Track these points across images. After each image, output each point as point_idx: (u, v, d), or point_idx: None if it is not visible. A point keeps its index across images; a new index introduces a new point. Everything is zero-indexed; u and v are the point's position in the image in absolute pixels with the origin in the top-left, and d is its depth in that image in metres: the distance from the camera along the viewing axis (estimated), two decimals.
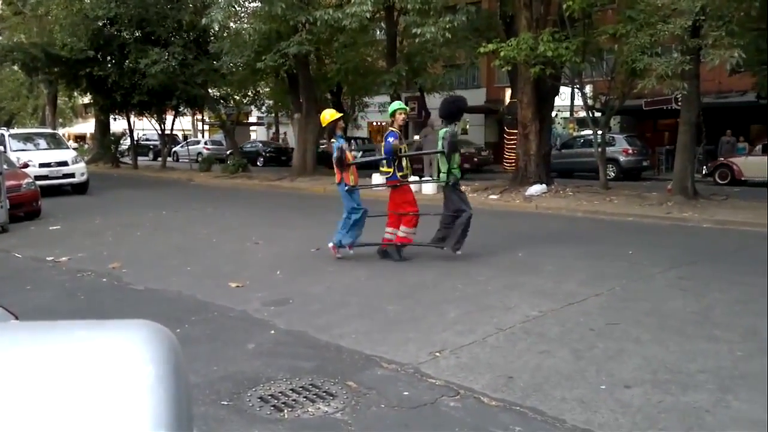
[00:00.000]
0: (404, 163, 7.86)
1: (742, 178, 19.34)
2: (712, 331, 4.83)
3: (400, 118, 7.84)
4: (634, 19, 13.16)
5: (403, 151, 7.84)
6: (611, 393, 3.69)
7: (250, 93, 29.35)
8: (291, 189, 18.43)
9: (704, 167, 20.79)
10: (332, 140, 7.84)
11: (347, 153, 7.77)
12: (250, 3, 21.20)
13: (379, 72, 23.46)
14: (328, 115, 7.92)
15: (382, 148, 7.85)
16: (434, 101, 27.40)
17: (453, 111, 8.07)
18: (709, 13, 11.66)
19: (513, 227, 10.26)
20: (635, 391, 3.71)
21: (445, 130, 7.78)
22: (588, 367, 4.12)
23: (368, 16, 15.87)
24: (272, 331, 4.99)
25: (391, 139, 7.67)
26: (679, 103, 15.04)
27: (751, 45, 14.71)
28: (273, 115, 36.84)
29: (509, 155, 21.10)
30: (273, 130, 42.69)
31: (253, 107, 34.59)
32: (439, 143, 7.85)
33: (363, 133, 35.81)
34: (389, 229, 7.92)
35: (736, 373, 3.99)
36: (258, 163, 32.45)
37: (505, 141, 22.20)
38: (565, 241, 9.18)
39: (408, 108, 7.99)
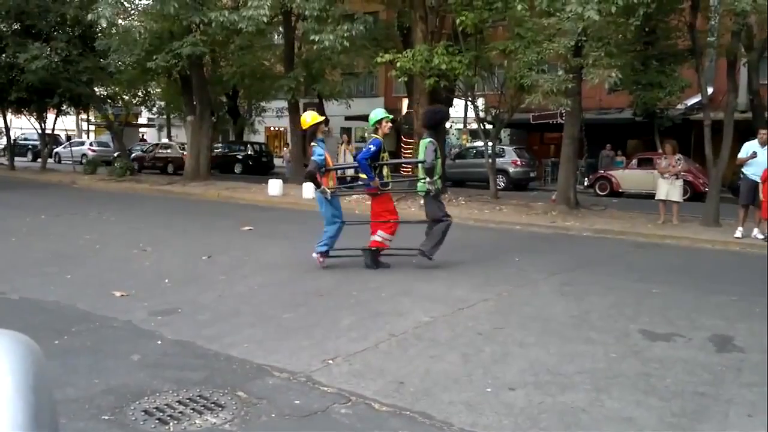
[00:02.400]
0: (385, 171, 7.81)
1: (620, 190, 20.72)
2: (589, 334, 5.13)
3: (386, 126, 7.75)
4: (523, 37, 13.80)
5: (384, 159, 7.76)
6: (496, 395, 3.83)
7: (140, 93, 28.18)
8: (182, 194, 17.83)
9: (586, 179, 22.09)
10: (312, 144, 7.52)
11: (327, 158, 7.52)
12: (140, 0, 20.39)
13: (277, 77, 23.25)
14: (309, 117, 7.61)
15: (359, 153, 7.70)
16: (332, 108, 27.58)
17: (437, 120, 8.12)
18: (590, 34, 12.41)
19: (407, 235, 10.39)
20: (518, 393, 3.87)
21: (429, 140, 7.71)
22: (475, 370, 4.26)
23: (265, 20, 15.67)
24: (159, 342, 4.80)
25: (373, 147, 7.52)
26: (564, 119, 15.91)
27: (628, 66, 15.78)
28: (164, 116, 35.54)
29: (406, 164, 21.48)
30: (140, 135, 41.25)
31: (143, 108, 33.19)
32: (421, 153, 7.75)
33: (260, 138, 35.28)
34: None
35: (610, 373, 4.26)
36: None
37: (402, 150, 22.57)
38: (456, 249, 9.42)
39: (390, 116, 7.90)
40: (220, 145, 30.88)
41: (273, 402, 3.67)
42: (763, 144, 10.78)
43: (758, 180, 10.50)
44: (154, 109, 33.00)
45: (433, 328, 5.22)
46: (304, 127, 7.74)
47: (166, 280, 6.86)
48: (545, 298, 6.39)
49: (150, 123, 42.11)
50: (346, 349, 4.63)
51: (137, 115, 39.94)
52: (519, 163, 23.08)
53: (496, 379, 4.10)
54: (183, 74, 21.23)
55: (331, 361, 4.38)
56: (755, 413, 3.63)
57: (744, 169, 10.94)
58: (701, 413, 3.64)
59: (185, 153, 24.04)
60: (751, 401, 3.81)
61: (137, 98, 28.75)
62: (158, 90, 29.59)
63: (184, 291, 6.43)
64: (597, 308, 6.00)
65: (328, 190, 7.50)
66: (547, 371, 4.25)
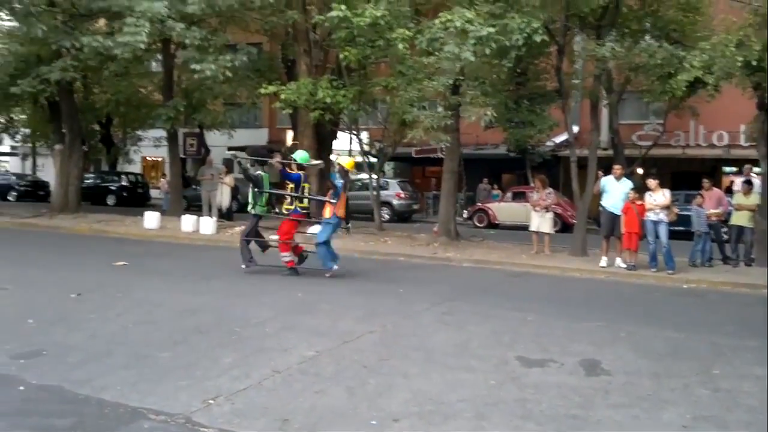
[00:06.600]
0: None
1: (496, 222, 21.66)
2: (470, 362, 5.28)
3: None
4: (404, 74, 14.23)
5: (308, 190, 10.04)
6: (381, 428, 3.84)
7: (2, 119, 26.21)
8: (49, 228, 16.64)
9: (465, 211, 22.91)
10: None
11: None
12: (5, 22, 19.06)
13: (155, 105, 22.46)
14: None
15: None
16: (214, 138, 27.00)
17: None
18: (467, 74, 13.03)
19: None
20: (403, 424, 3.90)
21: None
22: (360, 403, 4.25)
23: (142, 47, 15.15)
24: (21, 387, 4.41)
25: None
26: (444, 153, 16.49)
27: (501, 105, 16.69)
28: (30, 145, 33.25)
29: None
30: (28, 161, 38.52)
31: (5, 135, 30.88)
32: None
33: (136, 168, 33.78)
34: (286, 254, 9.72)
35: (489, 400, 4.39)
36: (10, 198, 28.99)
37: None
38: (341, 281, 9.45)
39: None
40: (91, 175, 29.28)
41: None
42: (617, 179, 11.69)
43: (617, 212, 11.35)
44: (18, 137, 30.80)
45: (317, 363, 5.17)
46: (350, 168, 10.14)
47: (30, 321, 6.33)
48: (428, 329, 6.52)
49: (13, 152, 39.17)
50: (228, 388, 4.47)
51: None
52: (402, 195, 23.58)
53: (381, 411, 4.11)
54: (51, 100, 20.01)
55: (212, 401, 4.21)
56: None
57: (602, 202, 11.79)
58: None
59: None
60: (618, 422, 4.07)
61: None
62: (23, 116, 27.68)
63: (51, 331, 5.97)
64: (477, 337, 6.20)
65: None
66: (430, 401, 4.32)
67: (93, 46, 15.27)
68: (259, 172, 10.01)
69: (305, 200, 9.98)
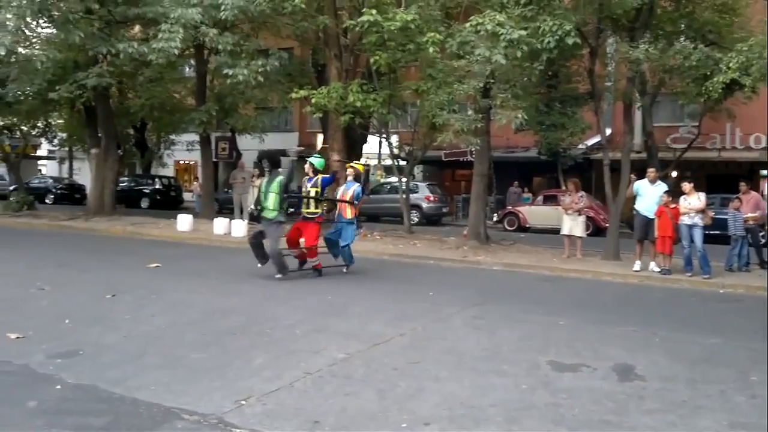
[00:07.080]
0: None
1: (527, 225, 21.49)
2: (501, 367, 5.24)
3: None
4: (434, 77, 14.23)
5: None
6: (411, 431, 3.83)
7: (40, 124, 26.79)
8: (85, 230, 17.00)
9: (495, 215, 22.78)
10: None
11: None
12: (43, 29, 19.54)
13: (188, 110, 22.78)
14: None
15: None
16: (245, 142, 27.29)
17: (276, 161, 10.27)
18: (497, 77, 12.96)
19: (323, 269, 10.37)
20: (434, 428, 3.89)
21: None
22: (391, 406, 4.25)
23: (176, 53, 15.40)
24: (58, 386, 4.51)
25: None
26: (474, 156, 16.42)
27: (533, 107, 16.55)
28: (66, 149, 33.98)
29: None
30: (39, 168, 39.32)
31: (43, 140, 31.60)
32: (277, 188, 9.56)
33: (169, 171, 34.33)
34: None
35: (521, 405, 4.35)
36: (47, 201, 29.68)
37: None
38: (372, 284, 9.49)
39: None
40: (126, 178, 29.82)
41: None
42: (652, 182, 11.51)
43: (650, 216, 11.17)
44: (55, 141, 31.53)
45: (348, 365, 5.18)
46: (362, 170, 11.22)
47: (67, 321, 6.48)
48: (458, 332, 6.49)
49: (50, 155, 40.11)
50: (260, 389, 4.51)
51: (36, 146, 38.00)
52: (432, 198, 23.53)
53: (412, 414, 4.10)
54: (87, 105, 20.44)
55: (243, 402, 4.25)
56: None
57: (636, 206, 11.62)
58: None
59: None
60: (653, 427, 4.00)
61: (37, 129, 27.33)
62: (60, 121, 28.30)
63: (86, 332, 6.09)
64: (508, 341, 6.16)
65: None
66: (461, 405, 4.30)
67: (128, 52, 15.61)
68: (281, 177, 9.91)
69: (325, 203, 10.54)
